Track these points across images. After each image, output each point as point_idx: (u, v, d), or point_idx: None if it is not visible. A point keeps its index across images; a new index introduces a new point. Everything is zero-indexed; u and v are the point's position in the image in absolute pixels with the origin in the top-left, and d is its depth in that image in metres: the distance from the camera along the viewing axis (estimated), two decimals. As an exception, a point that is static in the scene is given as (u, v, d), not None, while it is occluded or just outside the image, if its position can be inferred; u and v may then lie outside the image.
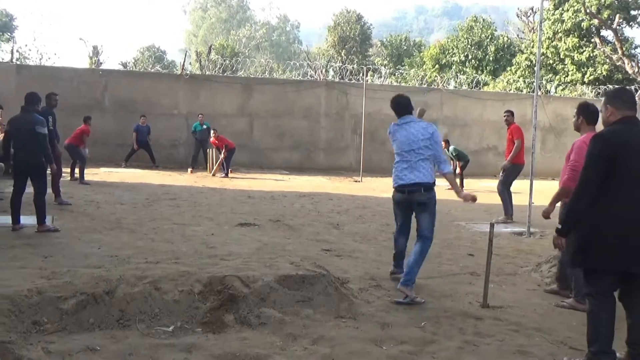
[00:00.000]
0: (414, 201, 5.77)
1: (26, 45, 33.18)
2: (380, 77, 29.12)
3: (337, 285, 5.30)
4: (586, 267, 3.99)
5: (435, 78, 27.81)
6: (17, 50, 27.00)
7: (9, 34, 40.04)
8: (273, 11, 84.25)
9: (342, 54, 43.56)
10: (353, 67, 23.14)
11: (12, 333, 4.00)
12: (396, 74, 33.94)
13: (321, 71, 23.07)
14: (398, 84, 29.12)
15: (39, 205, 7.83)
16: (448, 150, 16.39)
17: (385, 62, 43.02)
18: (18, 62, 22.75)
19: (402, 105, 6.02)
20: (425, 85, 25.82)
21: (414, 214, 5.90)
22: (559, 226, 4.14)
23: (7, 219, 8.00)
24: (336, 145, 21.36)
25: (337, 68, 26.18)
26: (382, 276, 6.25)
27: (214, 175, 17.02)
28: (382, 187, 15.40)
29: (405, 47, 45.19)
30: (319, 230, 9.09)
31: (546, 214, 5.76)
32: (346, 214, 10.87)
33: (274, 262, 5.60)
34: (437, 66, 36.06)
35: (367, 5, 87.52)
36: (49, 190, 8.94)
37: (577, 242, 4.00)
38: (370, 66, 31.75)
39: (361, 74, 21.51)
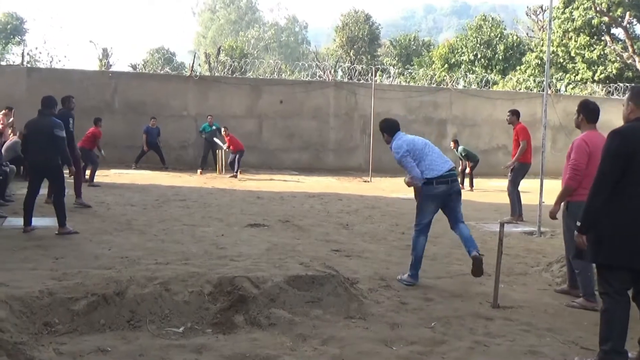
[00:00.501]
0: (453, 191, 6.06)
1: (36, 48, 33.48)
2: (389, 77, 29.05)
3: (346, 285, 5.30)
4: (599, 262, 3.98)
5: (444, 77, 27.72)
6: (28, 53, 27.15)
7: (19, 37, 40.33)
8: (281, 12, 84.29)
9: (351, 54, 43.53)
10: (362, 67, 23.11)
11: (24, 334, 4.02)
12: (405, 73, 33.87)
13: (330, 72, 23.07)
14: (407, 84, 29.06)
15: (58, 207, 7.86)
16: (457, 150, 16.34)
17: (394, 62, 42.95)
18: (29, 65, 22.89)
19: (395, 124, 6.40)
20: (434, 85, 25.75)
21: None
22: (579, 223, 4.11)
23: (19, 221, 8.05)
24: (345, 145, 21.35)
25: (346, 68, 26.16)
26: (391, 276, 6.24)
27: (219, 173, 17.05)
28: (391, 187, 15.38)
29: (414, 47, 45.09)
30: (328, 230, 9.09)
31: (552, 215, 5.76)
32: (355, 214, 10.86)
33: (283, 263, 5.60)
34: (446, 65, 35.96)
35: (376, 5, 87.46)
36: (70, 191, 9.03)
37: (591, 237, 3.98)
38: (379, 66, 31.72)
39: (370, 74, 21.48)
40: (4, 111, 14.25)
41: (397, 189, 14.64)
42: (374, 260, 7.09)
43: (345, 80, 22.81)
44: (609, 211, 3.89)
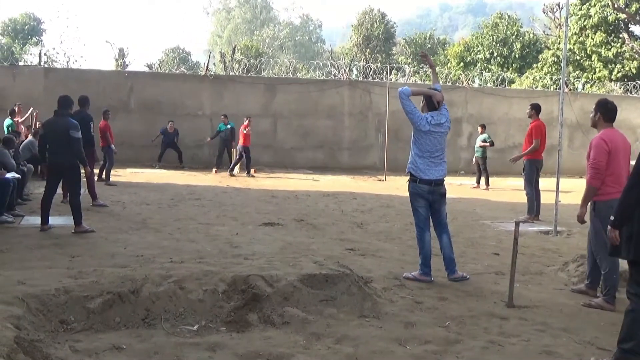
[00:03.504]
0: (437, 193, 6.14)
1: (54, 49, 33.82)
2: (404, 75, 28.97)
3: (360, 284, 5.29)
4: (630, 259, 3.96)
5: (460, 76, 27.58)
6: (45, 54, 27.45)
7: (37, 37, 40.77)
8: (296, 11, 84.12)
9: (366, 53, 43.43)
10: (376, 66, 23.06)
11: (40, 332, 4.07)
12: (420, 72, 33.74)
13: (344, 70, 23.04)
14: (422, 83, 28.95)
15: (74, 206, 7.94)
16: (482, 135, 16.32)
17: (409, 60, 42.81)
18: (46, 66, 23.13)
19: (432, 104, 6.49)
20: (449, 84, 25.63)
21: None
22: (612, 218, 4.07)
23: (36, 220, 8.14)
24: (360, 144, 21.32)
25: (361, 67, 26.12)
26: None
27: (231, 174, 17.15)
28: (406, 186, 15.29)
29: (429, 45, 44.89)
30: (342, 229, 9.08)
31: (580, 218, 5.68)
32: (370, 213, 10.84)
33: (297, 262, 5.61)
34: (461, 64, 35.78)
35: (391, 4, 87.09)
36: (85, 192, 9.11)
37: (623, 233, 3.96)
38: (394, 65, 31.61)
39: (385, 73, 21.43)
40: (17, 108, 14.44)
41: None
42: (388, 260, 7.08)
43: (360, 79, 22.78)
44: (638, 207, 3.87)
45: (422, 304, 5.27)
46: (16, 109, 14.44)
